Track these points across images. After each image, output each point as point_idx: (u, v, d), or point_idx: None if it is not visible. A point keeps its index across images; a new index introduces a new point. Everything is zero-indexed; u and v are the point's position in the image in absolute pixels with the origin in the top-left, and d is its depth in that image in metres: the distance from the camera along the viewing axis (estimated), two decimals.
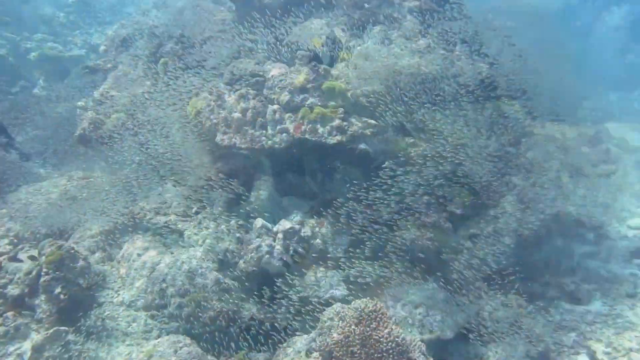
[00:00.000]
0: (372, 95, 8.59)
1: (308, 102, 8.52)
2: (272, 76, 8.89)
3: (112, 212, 10.54)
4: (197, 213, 8.62)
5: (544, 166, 9.25)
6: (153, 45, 11.29)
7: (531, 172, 9.16)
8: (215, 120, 8.63)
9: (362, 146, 8.48)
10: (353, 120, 8.55)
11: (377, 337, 5.85)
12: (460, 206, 8.49)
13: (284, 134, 8.33)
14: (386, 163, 8.21)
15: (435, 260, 8.24)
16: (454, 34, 9.78)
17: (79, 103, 11.20)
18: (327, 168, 8.77)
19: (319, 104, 8.51)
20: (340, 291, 7.76)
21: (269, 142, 8.31)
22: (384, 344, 5.80)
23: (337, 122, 8.34)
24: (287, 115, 8.50)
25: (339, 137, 8.27)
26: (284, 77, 8.76)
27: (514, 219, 8.67)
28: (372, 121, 8.57)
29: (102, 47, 13.69)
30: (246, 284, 7.70)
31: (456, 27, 9.71)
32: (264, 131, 8.37)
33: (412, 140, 8.85)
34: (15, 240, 11.90)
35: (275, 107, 8.53)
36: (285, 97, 8.57)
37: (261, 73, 9.08)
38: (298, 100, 8.55)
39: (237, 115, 8.40)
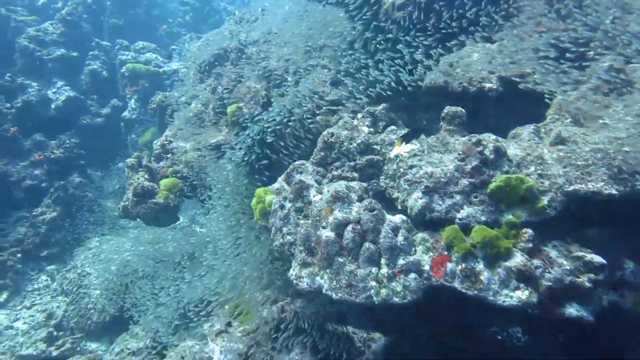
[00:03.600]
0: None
1: (461, 213, 4.66)
2: (396, 156, 5.17)
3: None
4: None
5: None
6: (232, 77, 8.18)
7: None
8: (290, 237, 5.16)
9: (573, 311, 4.40)
10: (553, 252, 4.51)
11: None
12: None
13: (412, 277, 4.57)
14: None
15: None
16: None
17: (129, 160, 8.53)
18: (496, 339, 4.86)
19: (483, 218, 4.60)
20: None
21: (383, 291, 4.62)
22: None
23: (519, 259, 4.38)
24: (420, 237, 4.74)
25: (522, 294, 4.31)
26: (418, 161, 4.99)
27: None
28: (597, 257, 4.44)
29: (182, 69, 10.99)
30: None
31: None
32: (375, 269, 4.69)
33: None
34: (55, 333, 9.80)
35: (398, 219, 4.81)
36: (417, 200, 4.81)
37: (377, 147, 5.41)
38: (441, 209, 4.73)
39: (327, 235, 4.83)
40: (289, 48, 8.74)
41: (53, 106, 14.76)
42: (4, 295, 10.98)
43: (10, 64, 15.70)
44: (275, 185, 5.57)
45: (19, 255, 11.85)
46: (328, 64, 7.80)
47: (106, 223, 13.11)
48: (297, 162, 5.61)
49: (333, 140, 5.53)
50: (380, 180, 5.33)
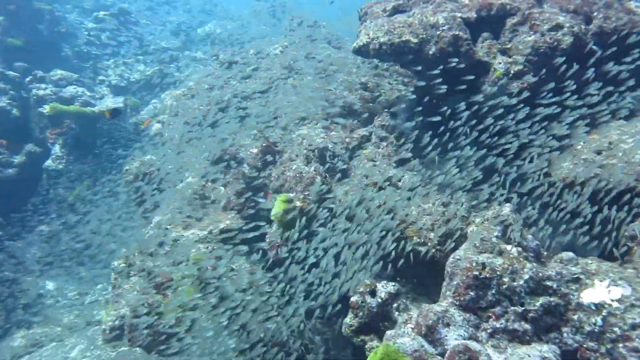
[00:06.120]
0: None
1: None
2: (597, 305, 3.67)
3: None
4: None
5: None
6: (257, 149, 6.27)
7: None
8: None
9: None
10: None
11: None
12: None
13: None
14: None
15: None
16: None
17: (116, 263, 6.21)
18: None
19: None
20: None
21: None
22: None
23: None
24: None
25: None
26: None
27: None
28: None
29: (154, 125, 8.69)
30: None
31: None
32: None
33: None
34: None
35: None
36: None
37: (552, 285, 3.87)
38: None
39: None
40: (312, 106, 7.04)
41: None
42: None
43: None
44: (409, 344, 3.79)
45: None
46: (381, 133, 6.21)
47: (33, 308, 10.35)
48: (437, 308, 3.90)
49: (487, 274, 3.90)
50: (565, 335, 3.79)
